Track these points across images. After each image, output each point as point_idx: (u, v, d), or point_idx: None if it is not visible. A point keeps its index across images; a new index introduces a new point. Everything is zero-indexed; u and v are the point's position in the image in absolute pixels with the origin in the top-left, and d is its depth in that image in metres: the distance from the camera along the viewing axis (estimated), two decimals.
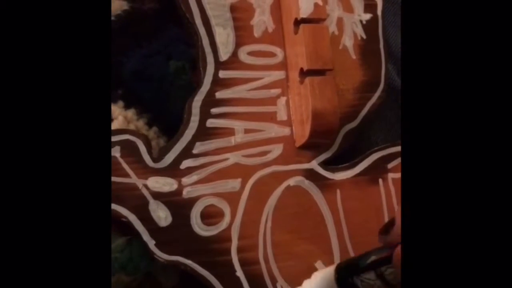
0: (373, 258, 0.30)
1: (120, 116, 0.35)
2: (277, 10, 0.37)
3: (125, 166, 0.33)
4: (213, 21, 0.35)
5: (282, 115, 0.36)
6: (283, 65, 0.37)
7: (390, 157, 0.37)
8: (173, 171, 0.34)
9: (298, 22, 0.35)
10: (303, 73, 0.34)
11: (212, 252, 0.33)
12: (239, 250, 0.34)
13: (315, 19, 0.35)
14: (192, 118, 0.34)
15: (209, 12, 0.35)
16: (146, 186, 0.33)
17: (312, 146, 0.36)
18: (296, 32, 0.35)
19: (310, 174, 0.36)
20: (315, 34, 0.34)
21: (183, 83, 0.37)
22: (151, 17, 0.38)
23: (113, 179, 0.32)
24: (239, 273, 0.34)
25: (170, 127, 0.36)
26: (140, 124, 0.36)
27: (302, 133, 0.35)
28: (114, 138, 0.33)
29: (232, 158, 0.35)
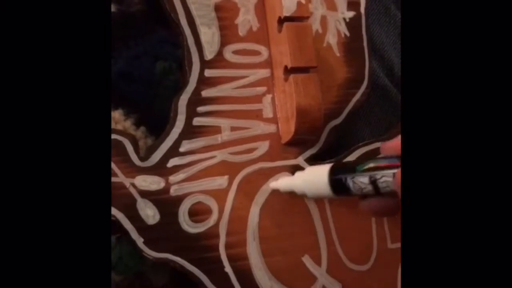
0: (370, 164, 0.29)
1: None
2: (261, 9, 0.38)
3: (112, 165, 0.33)
4: (198, 21, 0.36)
5: (267, 113, 0.37)
6: (268, 63, 0.37)
7: (375, 152, 0.38)
8: (160, 169, 0.34)
9: (281, 21, 0.35)
10: (287, 71, 0.35)
11: (201, 248, 0.34)
12: (227, 246, 0.34)
13: (299, 17, 0.35)
14: (179, 117, 0.35)
15: (194, 12, 0.36)
16: (133, 184, 0.33)
17: (298, 143, 0.36)
18: (280, 31, 0.35)
19: (297, 170, 0.36)
20: (299, 32, 0.35)
21: (171, 83, 0.38)
22: (138, 19, 0.39)
23: None
24: (228, 269, 0.34)
25: (158, 126, 0.36)
26: (128, 125, 0.37)
27: (288, 130, 0.35)
28: None
29: (219, 155, 0.35)
